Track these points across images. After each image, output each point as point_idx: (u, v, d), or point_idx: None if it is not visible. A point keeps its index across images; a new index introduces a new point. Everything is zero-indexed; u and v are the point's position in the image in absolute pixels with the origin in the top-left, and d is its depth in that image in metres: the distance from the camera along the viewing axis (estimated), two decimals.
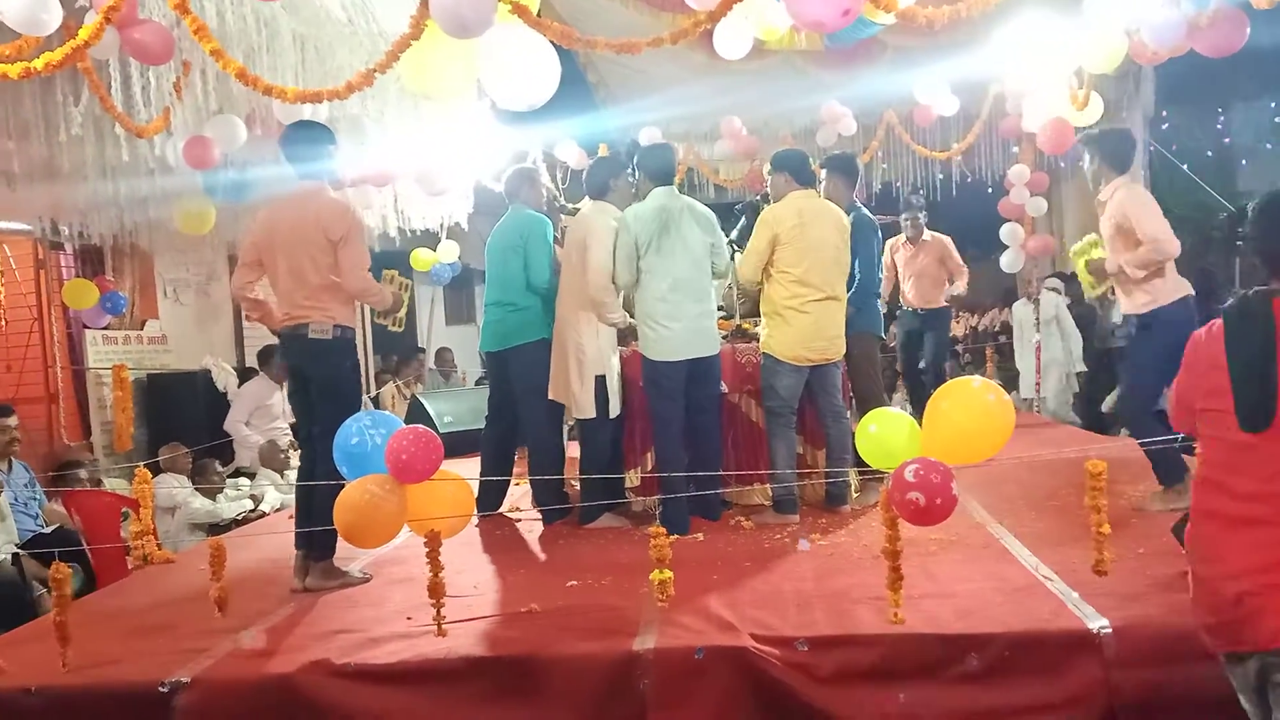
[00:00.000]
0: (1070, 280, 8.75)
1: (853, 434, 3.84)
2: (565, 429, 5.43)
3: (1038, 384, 8.92)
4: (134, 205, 6.58)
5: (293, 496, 6.72)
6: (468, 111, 6.85)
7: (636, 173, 5.03)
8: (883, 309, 5.77)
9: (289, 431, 7.64)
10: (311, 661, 3.19)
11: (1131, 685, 2.91)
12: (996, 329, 12.04)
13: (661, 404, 4.82)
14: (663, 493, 4.66)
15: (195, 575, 4.23)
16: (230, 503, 6.60)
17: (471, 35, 3.59)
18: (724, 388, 5.10)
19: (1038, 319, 8.87)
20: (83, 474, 6.01)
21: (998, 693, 2.98)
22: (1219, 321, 2.28)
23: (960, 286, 7.61)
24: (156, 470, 6.20)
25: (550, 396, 5.01)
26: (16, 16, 3.55)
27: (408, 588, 3.97)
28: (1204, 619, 2.27)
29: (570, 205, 6.50)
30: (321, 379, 4.14)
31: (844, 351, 5.00)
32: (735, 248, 5.49)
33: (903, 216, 7.69)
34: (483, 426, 5.55)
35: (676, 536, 3.82)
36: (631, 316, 4.95)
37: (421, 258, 8.86)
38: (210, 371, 8.30)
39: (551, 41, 3.79)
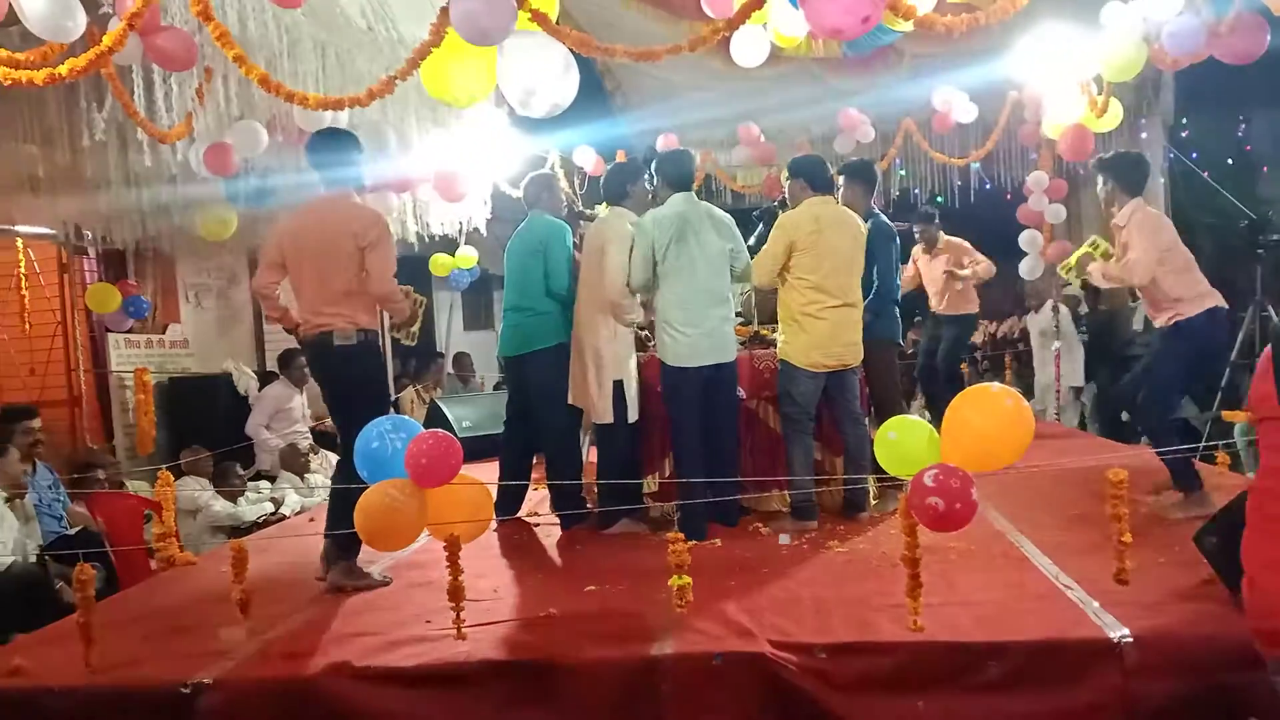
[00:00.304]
0: (1089, 291, 8.71)
1: (871, 441, 3.83)
2: (584, 434, 5.44)
3: (1058, 391, 8.87)
4: (156, 210, 6.66)
5: (313, 500, 6.81)
6: (487, 118, 6.90)
7: (654, 178, 5.05)
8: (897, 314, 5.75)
9: (309, 435, 7.69)
10: (332, 664, 3.21)
11: (1151, 695, 2.90)
12: (1015, 336, 11.97)
13: (679, 410, 4.82)
14: (681, 498, 4.66)
15: (217, 577, 4.26)
16: (251, 506, 6.64)
17: (491, 43, 3.62)
18: (742, 394, 5.10)
19: (1057, 327, 8.82)
20: (101, 475, 6.05)
21: (1017, 701, 2.97)
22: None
23: (980, 272, 7.54)
24: (178, 473, 6.24)
25: (570, 401, 5.03)
26: (41, 23, 3.59)
27: (427, 591, 3.99)
28: (1259, 623, 2.28)
29: (589, 211, 6.51)
30: (350, 383, 4.19)
31: (861, 358, 4.99)
32: (753, 254, 5.48)
33: (915, 227, 7.70)
34: (501, 431, 5.57)
35: (694, 542, 3.83)
36: (650, 322, 4.97)
37: (440, 263, 8.90)
38: (231, 375, 8.36)
39: (569, 48, 3.81)
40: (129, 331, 7.99)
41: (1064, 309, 8.95)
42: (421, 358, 10.05)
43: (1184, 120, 9.77)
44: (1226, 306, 4.59)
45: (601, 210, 5.27)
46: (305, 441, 7.57)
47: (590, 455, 5.60)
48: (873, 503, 5.11)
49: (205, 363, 8.71)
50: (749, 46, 5.46)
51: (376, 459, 3.57)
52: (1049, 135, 7.04)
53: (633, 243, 4.82)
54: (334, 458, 6.05)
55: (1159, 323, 4.58)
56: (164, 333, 8.53)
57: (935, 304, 7.75)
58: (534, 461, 5.62)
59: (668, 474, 5.18)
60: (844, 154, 8.29)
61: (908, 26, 4.28)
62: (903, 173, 9.87)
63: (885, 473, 3.61)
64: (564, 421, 5.12)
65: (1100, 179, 4.73)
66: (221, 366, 8.50)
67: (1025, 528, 4.48)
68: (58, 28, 3.66)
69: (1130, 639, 2.97)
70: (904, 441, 3.37)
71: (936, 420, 3.56)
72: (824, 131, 9.24)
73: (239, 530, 6.27)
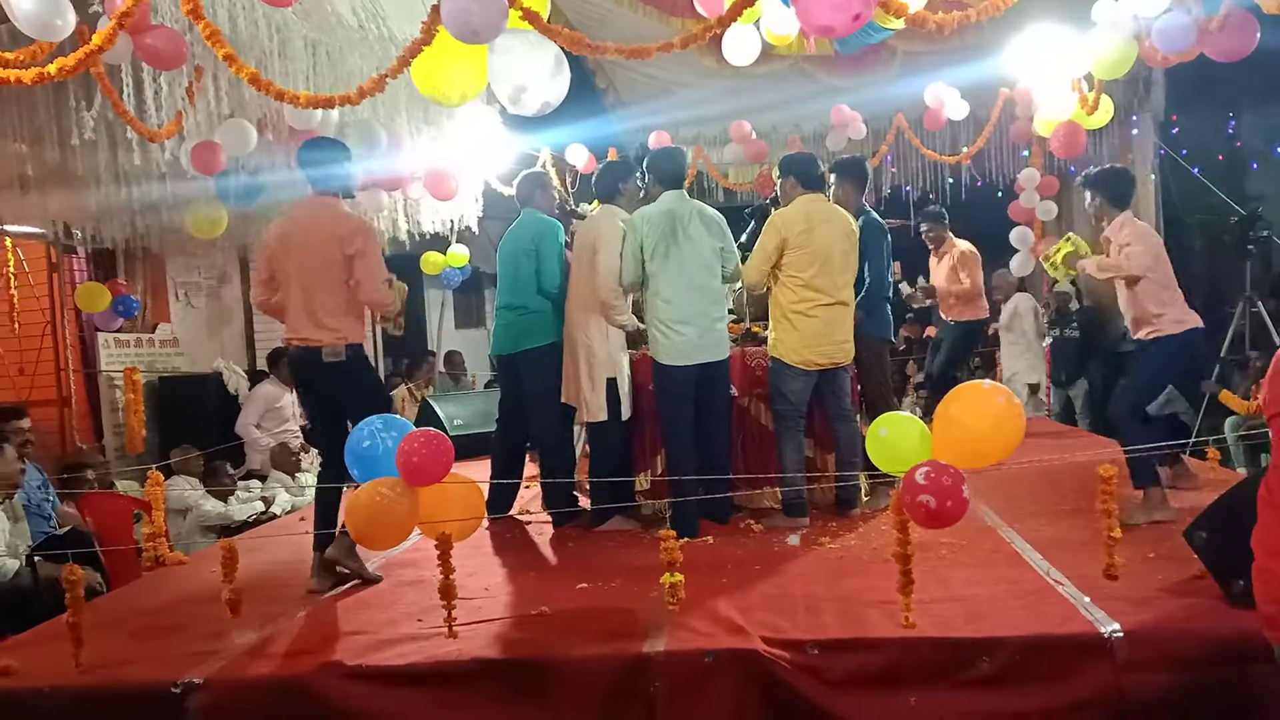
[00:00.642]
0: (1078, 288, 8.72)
1: (862, 437, 3.83)
2: (576, 432, 5.44)
3: (1048, 389, 8.89)
4: (146, 209, 6.65)
5: (304, 499, 6.79)
6: (478, 116, 6.89)
7: (646, 176, 5.05)
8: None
9: (300, 434, 7.66)
10: (323, 663, 3.20)
11: (1143, 689, 2.91)
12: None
13: (671, 408, 4.82)
14: (672, 496, 4.66)
15: (207, 577, 4.25)
16: (242, 505, 6.62)
17: (482, 41, 3.62)
18: (734, 391, 5.10)
19: (1048, 320, 8.81)
20: (91, 475, 6.03)
21: (1009, 697, 2.97)
22: None
23: (956, 289, 7.46)
24: (168, 473, 6.22)
25: (562, 400, 5.03)
26: (30, 22, 3.58)
27: (419, 590, 3.99)
28: (1267, 610, 2.29)
29: (581, 209, 6.51)
30: (344, 397, 4.21)
31: (853, 356, 5.00)
32: (745, 252, 5.49)
33: (922, 225, 7.67)
34: (493, 429, 5.57)
35: (686, 540, 3.83)
36: (642, 320, 4.96)
37: (432, 261, 8.88)
38: (221, 374, 8.35)
39: (561, 46, 3.81)
40: (119, 331, 7.96)
41: (1024, 306, 8.84)
42: (413, 356, 10.06)
43: (1174, 117, 9.79)
44: (1203, 327, 4.64)
45: (593, 208, 5.26)
46: (296, 440, 7.55)
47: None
48: (864, 499, 5.13)
49: (195, 362, 8.69)
50: (741, 44, 5.47)
51: (368, 458, 3.57)
52: (1040, 132, 7.07)
53: (623, 241, 4.81)
54: None
55: (1138, 335, 4.64)
56: (154, 332, 8.51)
57: (942, 309, 7.73)
58: (526, 459, 5.61)
59: (660, 471, 5.18)
60: (835, 151, 8.29)
61: (899, 24, 4.30)
62: (894, 170, 9.87)
63: (877, 469, 3.61)
64: (556, 420, 5.12)
65: (1088, 195, 4.78)
66: (212, 365, 8.49)
67: (1016, 524, 4.50)
68: (47, 26, 3.65)
69: (1121, 634, 2.98)
70: (895, 438, 3.38)
71: (928, 419, 3.57)
72: (816, 129, 9.26)
73: (229, 530, 6.25)
